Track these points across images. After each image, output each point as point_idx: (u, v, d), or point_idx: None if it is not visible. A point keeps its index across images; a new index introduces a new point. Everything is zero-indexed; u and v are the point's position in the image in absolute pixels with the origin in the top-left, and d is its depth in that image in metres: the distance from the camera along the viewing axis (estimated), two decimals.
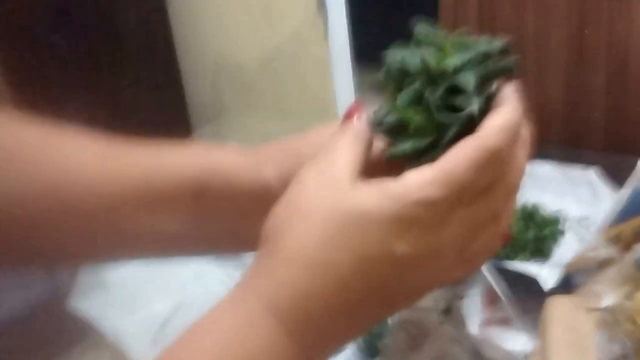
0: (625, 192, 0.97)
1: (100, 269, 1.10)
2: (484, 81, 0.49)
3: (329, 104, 2.75)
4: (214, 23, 2.88)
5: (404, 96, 0.50)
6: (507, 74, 0.51)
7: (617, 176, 1.23)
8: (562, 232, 1.18)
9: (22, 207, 0.54)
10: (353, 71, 2.81)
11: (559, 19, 1.41)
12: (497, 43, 0.51)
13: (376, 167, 0.50)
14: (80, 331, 1.04)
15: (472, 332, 0.98)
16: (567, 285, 0.99)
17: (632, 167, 1.02)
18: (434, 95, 0.49)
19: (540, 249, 1.13)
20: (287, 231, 0.47)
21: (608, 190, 1.25)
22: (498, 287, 0.99)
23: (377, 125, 0.51)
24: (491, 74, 0.50)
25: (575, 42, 1.41)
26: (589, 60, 1.41)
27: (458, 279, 0.51)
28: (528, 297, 1.00)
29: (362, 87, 3.02)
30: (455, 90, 0.49)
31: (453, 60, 0.50)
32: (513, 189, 0.49)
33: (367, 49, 3.74)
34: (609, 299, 0.89)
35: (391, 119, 0.51)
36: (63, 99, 2.46)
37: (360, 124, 0.52)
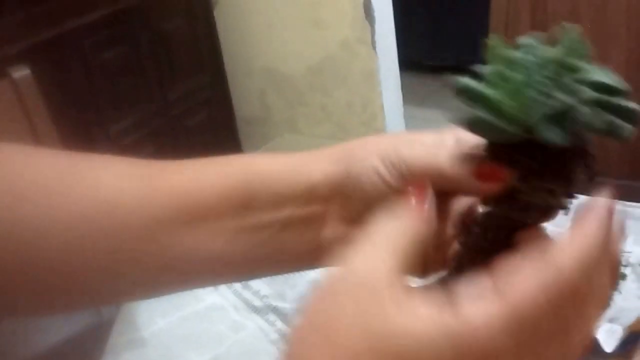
0: None
1: (135, 326, 1.08)
2: (601, 125, 0.42)
3: (377, 114, 2.71)
4: (261, 35, 2.88)
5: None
6: (621, 138, 0.43)
7: None
8: (623, 276, 1.11)
9: (60, 247, 0.51)
10: (401, 81, 2.77)
11: (619, 38, 1.33)
12: (631, 104, 0.43)
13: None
14: None
15: None
16: (629, 345, 0.93)
17: None
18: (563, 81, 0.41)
19: None
20: (311, 352, 0.40)
21: None
22: None
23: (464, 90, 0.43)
24: (610, 123, 0.42)
25: (637, 63, 1.34)
26: None
27: None
28: (585, 358, 0.95)
29: (409, 97, 2.98)
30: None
31: (589, 68, 0.43)
32: (589, 316, 0.41)
33: (414, 59, 3.71)
34: None
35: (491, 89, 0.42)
36: (112, 116, 2.48)
37: (422, 217, 0.44)
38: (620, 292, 1.09)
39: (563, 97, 0.41)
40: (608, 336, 0.93)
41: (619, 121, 0.42)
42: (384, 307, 0.39)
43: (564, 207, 0.46)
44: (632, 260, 1.14)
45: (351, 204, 0.52)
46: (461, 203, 0.52)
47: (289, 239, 0.54)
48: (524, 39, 0.44)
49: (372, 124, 2.71)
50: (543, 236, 0.45)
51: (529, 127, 0.41)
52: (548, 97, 0.41)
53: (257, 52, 2.94)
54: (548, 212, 0.46)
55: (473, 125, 0.42)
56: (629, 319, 0.98)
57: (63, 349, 1.12)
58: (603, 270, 0.41)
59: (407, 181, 0.47)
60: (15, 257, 0.50)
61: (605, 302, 0.42)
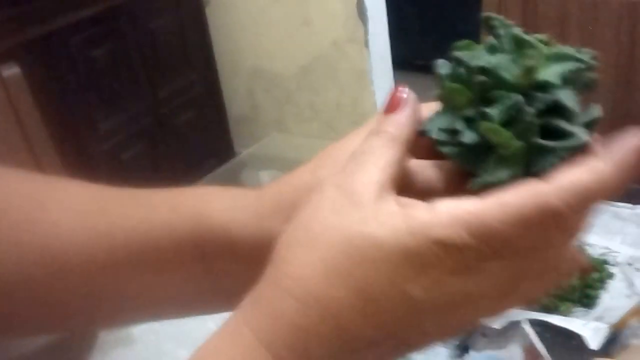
0: None
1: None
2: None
3: (368, 113, 2.70)
4: (251, 34, 2.87)
5: (498, 112, 0.41)
6: (590, 85, 0.43)
7: None
8: (610, 275, 1.12)
9: (19, 272, 0.51)
10: (394, 80, 2.78)
11: (607, 39, 1.34)
12: (587, 55, 0.43)
13: (416, 183, 0.45)
14: None
15: None
16: (613, 343, 0.95)
17: None
18: (532, 114, 0.40)
19: (587, 296, 1.08)
20: (291, 258, 0.42)
21: None
22: (540, 344, 0.96)
23: (444, 144, 0.43)
24: (579, 90, 0.42)
25: (624, 64, 1.35)
26: (637, 81, 1.35)
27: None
28: (571, 355, 0.97)
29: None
30: (550, 111, 0.41)
31: (552, 71, 0.41)
32: (573, 241, 0.42)
33: (407, 58, 3.71)
34: None
35: (473, 138, 0.42)
36: (102, 114, 2.47)
37: (401, 121, 0.44)
38: (608, 291, 1.10)
39: (544, 143, 0.40)
40: (594, 334, 0.95)
41: (581, 80, 0.42)
42: (361, 212, 0.40)
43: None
44: (619, 259, 1.15)
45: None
46: None
47: (256, 276, 0.48)
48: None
49: (363, 123, 2.71)
50: None
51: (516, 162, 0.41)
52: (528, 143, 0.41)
53: (247, 51, 2.94)
54: None
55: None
56: (615, 317, 0.99)
57: (52, 349, 1.09)
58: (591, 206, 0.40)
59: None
60: None
61: (587, 225, 0.41)
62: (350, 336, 0.40)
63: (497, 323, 1.00)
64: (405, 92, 0.46)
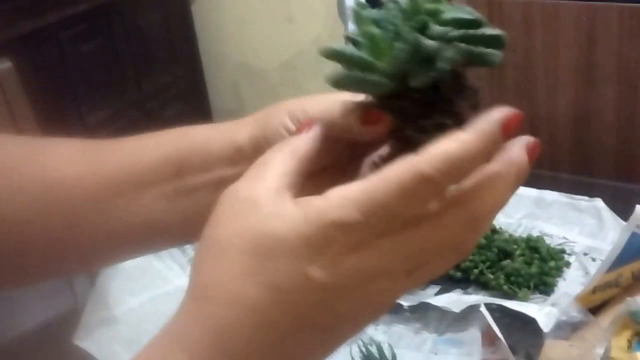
0: (624, 235, 0.96)
1: (107, 305, 1.12)
2: (467, 59, 0.45)
3: None
4: (236, 30, 2.93)
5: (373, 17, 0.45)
6: (490, 63, 0.46)
7: (625, 205, 1.22)
8: (567, 264, 1.17)
9: (15, 217, 0.58)
10: None
11: (568, 40, 1.40)
12: (495, 30, 0.46)
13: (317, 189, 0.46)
14: None
15: None
16: (566, 327, 0.98)
17: (638, 196, 1.01)
18: (410, 30, 0.44)
19: (544, 283, 1.13)
20: (204, 269, 0.44)
21: (615, 220, 1.24)
22: (496, 327, 0.98)
23: (337, 54, 0.46)
24: (475, 54, 0.45)
25: (585, 64, 1.40)
26: (598, 81, 1.40)
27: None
28: (526, 337, 1.01)
29: None
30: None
31: (446, 9, 0.45)
32: (477, 224, 0.44)
33: None
34: (603, 346, 0.88)
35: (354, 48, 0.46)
36: (90, 107, 2.50)
37: (302, 140, 0.49)
38: (565, 279, 1.15)
39: (427, 42, 0.43)
40: (547, 318, 0.98)
41: (485, 50, 0.45)
42: (260, 212, 0.43)
43: None
44: (576, 249, 1.20)
45: None
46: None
47: None
48: None
49: None
50: None
51: (400, 77, 0.45)
52: (412, 45, 0.44)
53: (232, 46, 2.97)
54: None
55: (347, 84, 0.46)
56: (570, 295, 1.04)
57: (37, 335, 1.14)
58: (494, 182, 0.43)
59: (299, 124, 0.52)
60: None
61: (496, 212, 0.44)
62: (270, 329, 0.42)
63: (456, 307, 1.04)
64: (313, 120, 0.50)
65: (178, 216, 0.59)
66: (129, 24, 2.62)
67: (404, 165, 0.41)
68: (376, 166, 0.50)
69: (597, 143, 1.43)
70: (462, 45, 0.44)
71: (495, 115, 0.43)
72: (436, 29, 0.44)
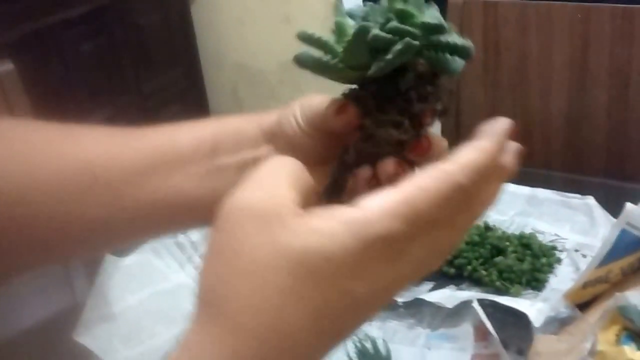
0: (614, 232, 0.98)
1: (106, 301, 1.13)
2: (429, 63, 0.47)
3: None
4: (235, 31, 2.97)
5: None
6: (450, 71, 0.48)
7: (616, 203, 1.23)
8: (558, 261, 1.19)
9: (48, 202, 0.59)
10: None
11: (562, 41, 1.42)
12: (461, 40, 0.48)
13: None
14: None
15: None
16: (555, 322, 1.00)
17: (630, 194, 1.02)
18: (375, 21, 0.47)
19: (536, 279, 1.14)
20: (230, 292, 0.40)
21: (606, 218, 1.25)
22: (488, 322, 1.00)
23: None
24: (436, 60, 0.47)
25: (578, 65, 1.42)
26: (591, 82, 1.42)
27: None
28: (518, 333, 1.02)
29: None
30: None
31: (417, 13, 0.47)
32: (476, 217, 0.47)
33: None
34: (590, 341, 0.90)
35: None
36: (90, 108, 2.51)
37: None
38: (556, 276, 1.16)
39: (377, 33, 0.45)
40: (538, 313, 1.00)
41: (447, 57, 0.48)
42: (289, 228, 0.40)
43: (413, 139, 0.50)
44: (567, 246, 1.22)
45: (280, 145, 0.59)
46: None
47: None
48: None
49: None
50: (400, 166, 0.50)
51: (359, 65, 0.48)
52: (364, 33, 0.46)
53: (231, 47, 2.99)
54: (399, 145, 0.50)
55: (306, 64, 0.50)
56: (561, 291, 1.05)
57: (37, 331, 1.14)
58: (492, 180, 0.46)
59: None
60: (5, 213, 0.58)
61: (490, 203, 0.47)
62: (300, 348, 0.40)
63: (449, 303, 1.06)
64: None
65: (207, 195, 0.60)
66: (129, 25, 2.63)
67: (441, 175, 0.42)
68: (339, 158, 0.52)
69: (589, 142, 1.45)
70: (412, 41, 0.46)
71: (503, 126, 0.46)
72: (393, 24, 0.46)
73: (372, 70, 0.47)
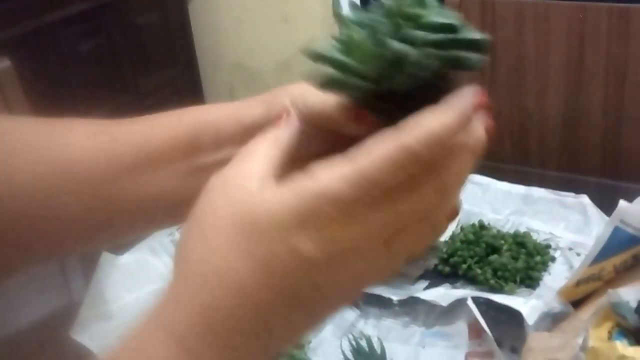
0: (608, 230, 0.98)
1: (103, 300, 1.13)
2: (448, 61, 0.46)
3: None
4: (232, 31, 2.97)
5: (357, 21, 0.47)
6: (470, 67, 0.47)
7: (610, 201, 1.23)
8: (553, 259, 1.20)
9: (31, 196, 0.59)
10: None
11: (559, 40, 1.42)
12: (479, 34, 0.46)
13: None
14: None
15: None
16: (548, 319, 1.01)
17: (624, 193, 1.03)
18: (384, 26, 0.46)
19: (530, 277, 1.15)
20: (190, 249, 0.45)
21: (600, 216, 1.26)
22: (482, 320, 1.00)
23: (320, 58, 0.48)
24: (454, 58, 0.46)
25: (575, 64, 1.42)
26: (587, 81, 1.42)
27: (384, 279, 0.47)
28: (512, 330, 1.02)
29: None
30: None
31: (427, 13, 0.46)
32: (446, 192, 0.46)
33: None
34: (582, 337, 0.90)
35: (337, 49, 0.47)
36: (87, 106, 2.51)
37: (285, 127, 0.51)
38: (550, 274, 1.17)
39: (398, 46, 0.44)
40: (532, 311, 1.00)
41: (464, 54, 0.46)
42: (249, 196, 0.44)
43: None
44: (561, 244, 1.22)
45: None
46: None
47: None
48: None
49: None
50: None
51: (375, 79, 0.46)
52: (386, 48, 0.45)
53: (228, 46, 3.00)
54: None
55: (327, 85, 0.48)
56: (555, 289, 1.05)
57: (34, 330, 1.15)
58: (458, 152, 0.45)
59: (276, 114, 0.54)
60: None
61: (461, 175, 0.46)
62: (254, 305, 0.43)
63: (443, 301, 1.06)
64: (290, 114, 0.53)
65: (189, 194, 0.58)
66: (127, 23, 2.64)
67: (391, 141, 0.42)
68: None
69: (584, 141, 1.45)
70: (433, 50, 0.45)
71: (468, 96, 0.45)
72: (408, 32, 0.45)
73: (392, 83, 0.46)
